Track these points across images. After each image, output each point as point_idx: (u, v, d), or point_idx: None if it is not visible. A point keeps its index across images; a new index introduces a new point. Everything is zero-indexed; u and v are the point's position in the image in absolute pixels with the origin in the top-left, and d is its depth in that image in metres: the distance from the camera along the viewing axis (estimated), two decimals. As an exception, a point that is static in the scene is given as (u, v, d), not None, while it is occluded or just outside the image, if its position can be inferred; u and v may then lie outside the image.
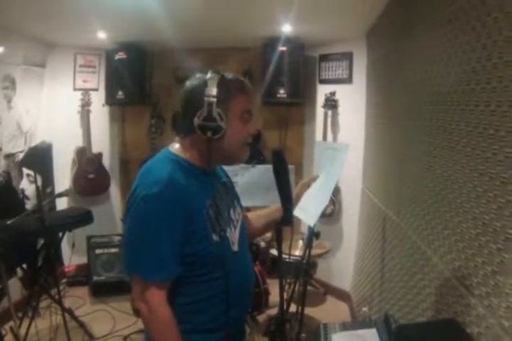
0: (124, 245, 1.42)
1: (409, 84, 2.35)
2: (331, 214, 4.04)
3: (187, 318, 1.41)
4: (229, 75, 1.44)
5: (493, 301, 1.26)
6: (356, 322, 2.21)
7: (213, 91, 1.36)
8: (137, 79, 4.15)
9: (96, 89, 4.36)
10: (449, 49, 1.69)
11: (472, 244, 1.43)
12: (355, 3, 2.78)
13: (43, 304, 3.38)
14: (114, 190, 4.69)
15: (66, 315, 3.04)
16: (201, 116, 1.36)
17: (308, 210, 1.82)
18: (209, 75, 1.40)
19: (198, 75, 1.44)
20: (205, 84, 1.38)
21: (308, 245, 2.25)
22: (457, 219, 1.57)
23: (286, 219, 1.52)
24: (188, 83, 1.45)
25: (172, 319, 1.36)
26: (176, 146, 1.50)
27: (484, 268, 1.33)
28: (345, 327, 1.99)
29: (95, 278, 3.94)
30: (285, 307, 1.83)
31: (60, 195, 2.94)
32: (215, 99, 1.36)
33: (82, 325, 3.21)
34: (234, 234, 1.53)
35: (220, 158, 1.48)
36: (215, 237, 1.42)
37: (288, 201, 1.52)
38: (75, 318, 3.19)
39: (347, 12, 3.00)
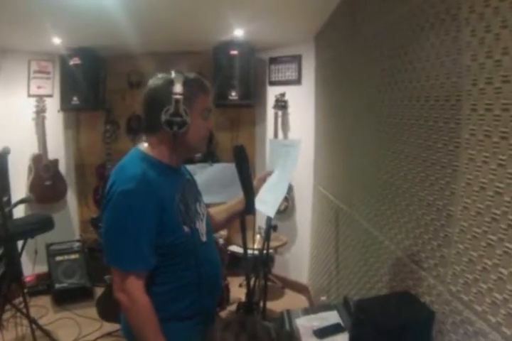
0: (103, 239, 1.49)
1: (358, 82, 2.52)
2: (285, 210, 4.19)
3: (163, 306, 1.49)
4: (191, 75, 1.53)
5: (441, 271, 1.43)
6: (317, 307, 2.35)
7: (180, 89, 1.45)
8: (92, 85, 4.14)
9: (50, 95, 4.31)
10: (393, 50, 1.88)
11: (419, 223, 1.61)
12: (303, 7, 2.92)
13: (6, 315, 3.29)
14: (71, 196, 4.65)
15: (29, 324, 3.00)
16: (168, 113, 1.45)
17: (266, 202, 1.94)
18: (174, 75, 1.48)
19: (161, 75, 1.52)
20: (171, 82, 1.46)
21: (267, 237, 2.36)
22: (405, 202, 1.75)
23: (249, 209, 1.66)
24: (152, 82, 1.53)
25: (151, 307, 1.43)
26: (144, 145, 1.58)
27: (431, 243, 1.51)
28: (307, 312, 2.14)
29: (57, 285, 3.89)
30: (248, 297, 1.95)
31: (23, 201, 2.90)
32: (181, 97, 1.45)
33: (47, 333, 3.17)
34: (202, 226, 1.64)
35: (184, 151, 1.57)
36: (186, 229, 1.52)
37: (250, 192, 1.66)
38: (40, 327, 3.14)
39: (295, 16, 3.14)
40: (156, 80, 1.52)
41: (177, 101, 1.45)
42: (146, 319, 1.43)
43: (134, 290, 1.42)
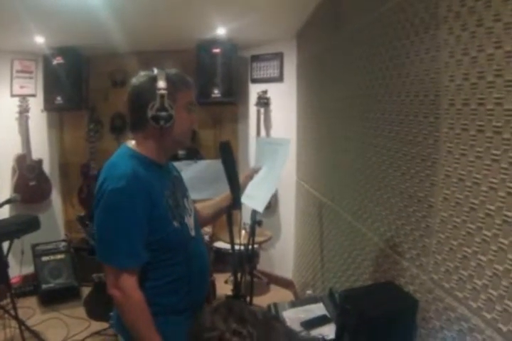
0: (96, 237, 1.51)
1: (339, 78, 2.57)
2: (268, 207, 4.23)
3: (154, 301, 1.51)
4: (172, 71, 1.56)
5: (423, 260, 1.49)
6: (303, 300, 2.39)
7: (164, 84, 1.48)
8: (75, 84, 4.12)
9: (34, 95, 4.28)
10: (374, 47, 1.93)
11: (401, 215, 1.66)
12: (285, 6, 2.96)
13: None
14: (56, 196, 4.63)
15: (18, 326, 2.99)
16: (154, 108, 1.48)
17: (255, 197, 1.99)
18: (156, 71, 1.51)
19: (144, 73, 1.55)
20: (154, 79, 1.49)
21: (252, 232, 2.39)
22: (386, 195, 1.80)
23: (235, 204, 1.70)
24: (135, 80, 1.56)
25: (145, 303, 1.46)
26: (132, 142, 1.60)
27: (413, 234, 1.56)
28: (293, 304, 2.19)
29: (44, 286, 3.85)
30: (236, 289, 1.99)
31: (9, 201, 2.88)
32: (165, 92, 1.48)
33: (36, 334, 3.16)
34: (190, 221, 1.67)
35: (170, 145, 1.60)
36: (175, 224, 1.55)
37: (236, 187, 1.70)
38: (28, 328, 3.12)
39: (277, 15, 3.18)
40: (139, 78, 1.55)
41: (162, 96, 1.48)
42: (139, 314, 1.46)
43: (128, 287, 1.45)
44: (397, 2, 1.66)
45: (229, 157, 1.66)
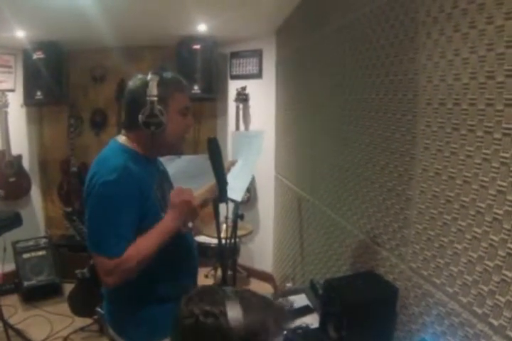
0: (86, 228, 1.54)
1: (319, 76, 2.63)
2: (247, 201, 4.29)
3: (145, 290, 1.56)
4: (168, 75, 1.59)
5: (402, 250, 1.57)
6: (285, 291, 2.46)
7: (154, 91, 1.52)
8: (56, 79, 4.06)
9: (13, 90, 4.20)
10: (354, 47, 2.00)
11: (380, 208, 1.75)
12: (265, 3, 3.00)
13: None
14: (36, 193, 4.56)
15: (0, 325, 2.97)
16: (145, 114, 1.52)
17: (232, 188, 2.05)
18: (150, 76, 1.55)
19: (139, 76, 1.59)
20: (146, 84, 1.53)
21: (235, 225, 2.44)
22: (366, 189, 1.88)
23: (222, 198, 1.76)
24: (131, 84, 1.59)
25: (133, 247, 1.47)
26: (122, 138, 1.64)
27: (392, 225, 1.65)
28: (276, 296, 2.25)
29: (26, 283, 3.81)
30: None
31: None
32: (156, 98, 1.52)
33: (19, 332, 3.14)
34: None
35: (162, 148, 1.65)
36: (163, 215, 1.59)
37: (223, 181, 1.75)
38: (11, 327, 3.09)
39: (257, 12, 3.21)
40: (135, 81, 1.59)
41: (152, 102, 1.51)
42: (145, 249, 1.48)
43: (117, 269, 1.45)
44: (378, 5, 1.72)
45: (216, 153, 1.72)
